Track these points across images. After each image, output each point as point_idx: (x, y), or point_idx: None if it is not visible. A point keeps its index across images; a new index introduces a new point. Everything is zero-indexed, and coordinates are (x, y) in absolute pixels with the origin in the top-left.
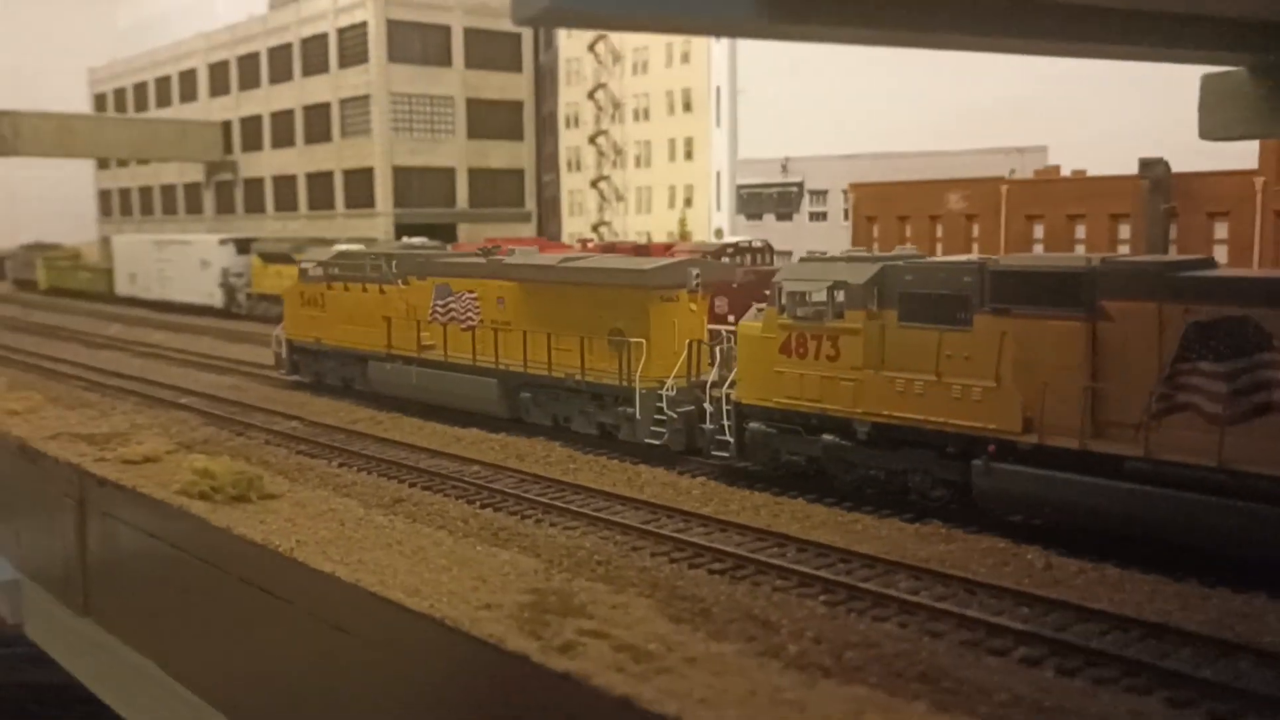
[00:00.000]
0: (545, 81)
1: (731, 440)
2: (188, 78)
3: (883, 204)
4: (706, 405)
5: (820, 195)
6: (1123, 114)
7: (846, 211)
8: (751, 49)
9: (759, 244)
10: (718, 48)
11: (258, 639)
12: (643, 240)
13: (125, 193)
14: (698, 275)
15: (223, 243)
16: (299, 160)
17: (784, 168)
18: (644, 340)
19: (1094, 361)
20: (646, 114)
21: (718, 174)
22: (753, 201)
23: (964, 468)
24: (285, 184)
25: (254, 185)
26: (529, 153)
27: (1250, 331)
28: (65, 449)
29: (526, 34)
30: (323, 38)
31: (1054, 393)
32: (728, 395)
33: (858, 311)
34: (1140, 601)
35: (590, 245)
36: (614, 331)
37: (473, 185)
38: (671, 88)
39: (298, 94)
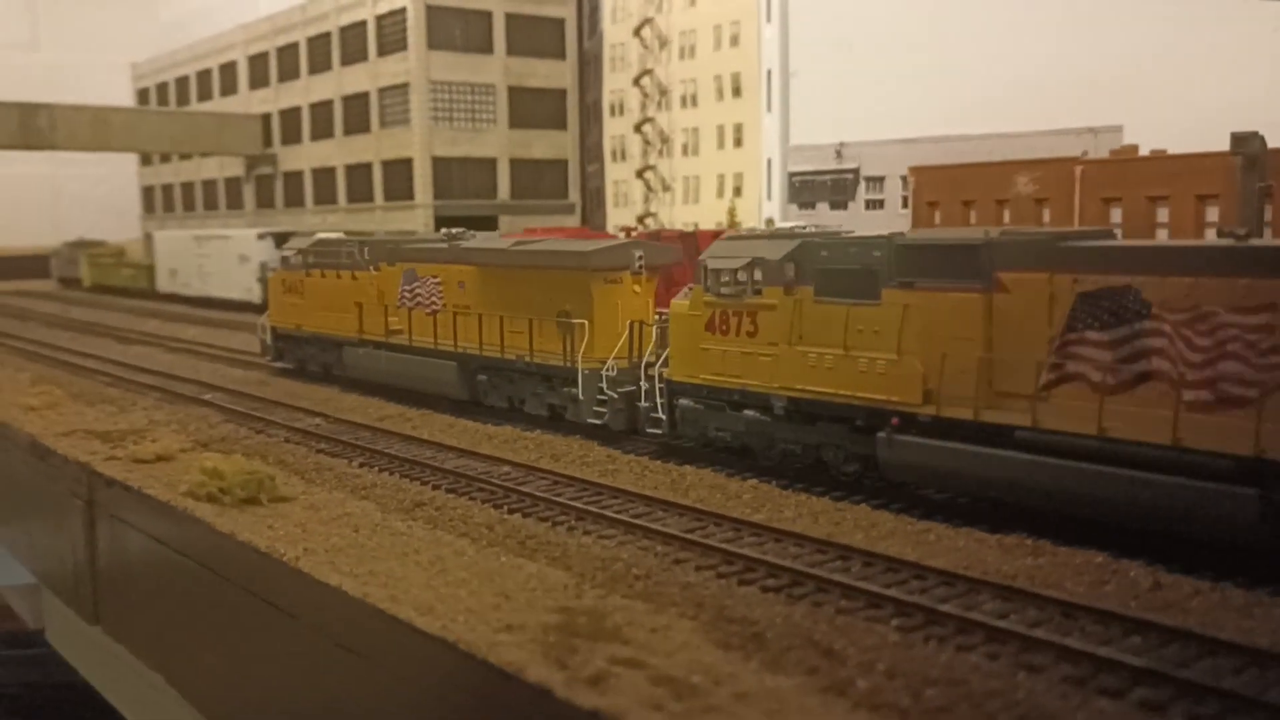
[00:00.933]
0: (589, 68)
1: (664, 418)
2: (228, 70)
3: (946, 189)
4: (643, 384)
5: (877, 182)
6: (1201, 90)
7: (905, 198)
8: (804, 29)
9: (814, 229)
10: (768, 29)
11: (261, 654)
12: (690, 230)
13: (168, 188)
14: (641, 257)
15: (261, 237)
16: (338, 152)
17: (838, 153)
18: (587, 321)
19: (990, 332)
20: (694, 100)
21: (768, 161)
22: (805, 190)
23: (871, 441)
24: (324, 177)
25: (293, 178)
26: (573, 142)
27: (1132, 300)
28: (76, 447)
29: (570, 19)
30: (361, 25)
31: (952, 364)
32: (660, 374)
33: (775, 288)
34: (1276, 630)
35: (634, 235)
36: (562, 313)
37: (515, 176)
38: (720, 72)
39: (336, 84)
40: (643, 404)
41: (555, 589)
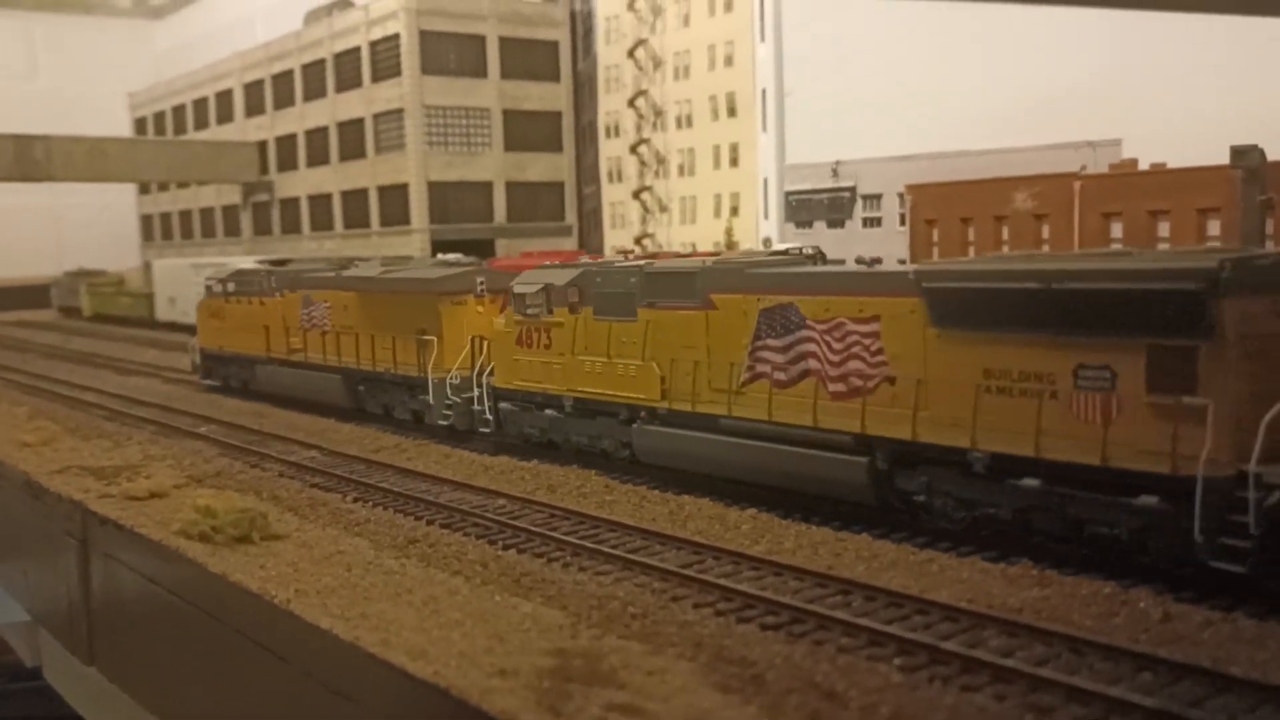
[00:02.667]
0: (584, 90)
1: (491, 418)
2: (224, 98)
3: (943, 206)
4: (475, 390)
5: (874, 200)
6: (1199, 104)
7: (903, 216)
8: (798, 48)
9: (810, 251)
10: (762, 48)
11: (253, 698)
12: (687, 251)
13: (166, 217)
14: (482, 282)
15: (259, 264)
16: (334, 178)
17: (835, 172)
18: (436, 338)
19: (708, 342)
20: (689, 120)
21: (765, 181)
22: (802, 208)
23: (629, 430)
24: (320, 203)
25: (290, 205)
26: (569, 164)
27: (793, 314)
28: (71, 484)
29: (564, 42)
30: (355, 52)
31: (679, 368)
32: (487, 381)
33: (563, 309)
34: None
35: (631, 257)
36: (419, 331)
37: (511, 199)
38: (715, 92)
39: (331, 110)
40: (475, 407)
41: (550, 629)
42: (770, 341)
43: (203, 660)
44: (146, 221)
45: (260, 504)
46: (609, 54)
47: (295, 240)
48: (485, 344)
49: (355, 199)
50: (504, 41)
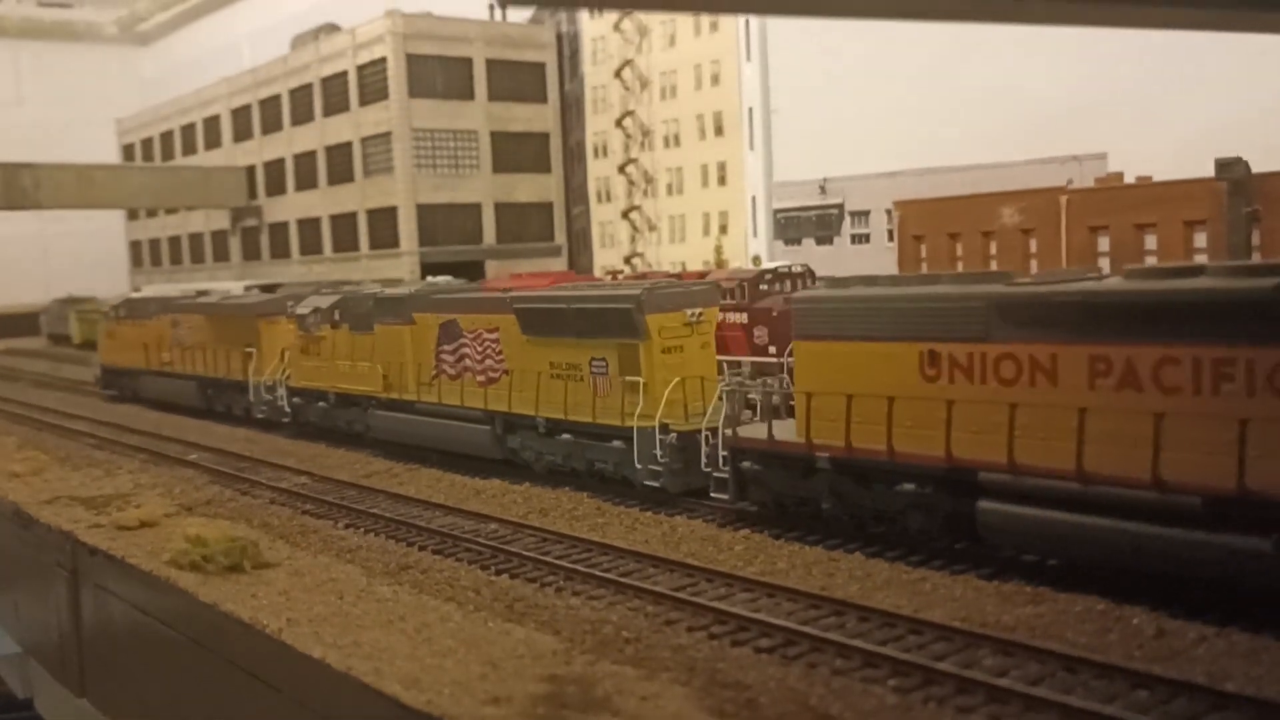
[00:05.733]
0: (571, 111)
1: (289, 411)
2: (211, 124)
3: (930, 222)
4: (280, 390)
5: (862, 216)
6: (1184, 117)
7: (891, 232)
8: (784, 66)
9: (799, 269)
10: (748, 67)
11: None
12: (676, 270)
13: (155, 243)
14: (292, 304)
15: (247, 289)
16: (322, 202)
17: (822, 189)
18: (256, 350)
19: (413, 349)
20: (677, 140)
21: (753, 199)
22: (791, 226)
23: (367, 418)
24: (310, 227)
25: (279, 229)
26: (557, 185)
27: (455, 327)
28: (60, 514)
29: (551, 63)
30: (342, 76)
31: (394, 368)
32: (285, 382)
33: (327, 326)
34: None
35: (620, 277)
36: (246, 345)
37: (500, 220)
38: (702, 111)
39: (319, 135)
40: (279, 403)
41: (544, 655)
42: (445, 347)
43: (195, 691)
44: (136, 247)
45: (251, 532)
46: (596, 75)
47: (284, 264)
48: (285, 353)
49: (344, 222)
50: (491, 64)
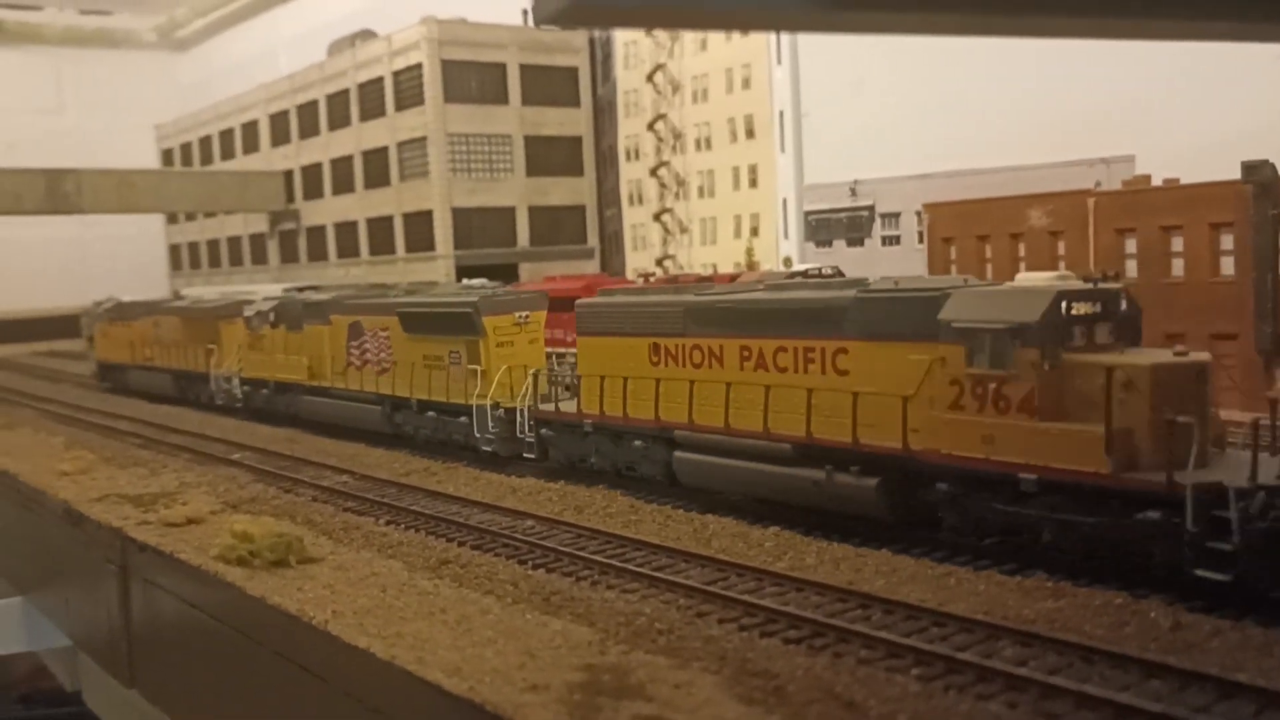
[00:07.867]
0: (604, 115)
1: (240, 397)
2: (249, 129)
3: (960, 224)
4: (234, 380)
5: (893, 218)
6: (1212, 120)
7: (921, 234)
8: (814, 70)
9: (829, 271)
10: (779, 71)
11: (294, 718)
12: (708, 272)
13: (194, 246)
14: (247, 308)
15: (286, 291)
16: (359, 206)
17: (853, 191)
18: (216, 347)
19: (333, 345)
20: (708, 143)
21: (784, 201)
22: (822, 228)
23: (297, 402)
24: (347, 230)
25: (316, 233)
26: (590, 188)
27: (359, 326)
28: (110, 512)
29: (584, 68)
30: (379, 82)
31: (317, 360)
32: (238, 374)
33: (267, 326)
34: None
35: (652, 280)
36: (209, 342)
37: (533, 223)
38: (733, 114)
39: (356, 139)
40: (235, 391)
41: (580, 646)
42: (353, 343)
43: (243, 681)
44: (175, 251)
45: (295, 528)
46: (628, 79)
47: (322, 267)
48: (239, 349)
49: (380, 226)
50: (524, 69)
